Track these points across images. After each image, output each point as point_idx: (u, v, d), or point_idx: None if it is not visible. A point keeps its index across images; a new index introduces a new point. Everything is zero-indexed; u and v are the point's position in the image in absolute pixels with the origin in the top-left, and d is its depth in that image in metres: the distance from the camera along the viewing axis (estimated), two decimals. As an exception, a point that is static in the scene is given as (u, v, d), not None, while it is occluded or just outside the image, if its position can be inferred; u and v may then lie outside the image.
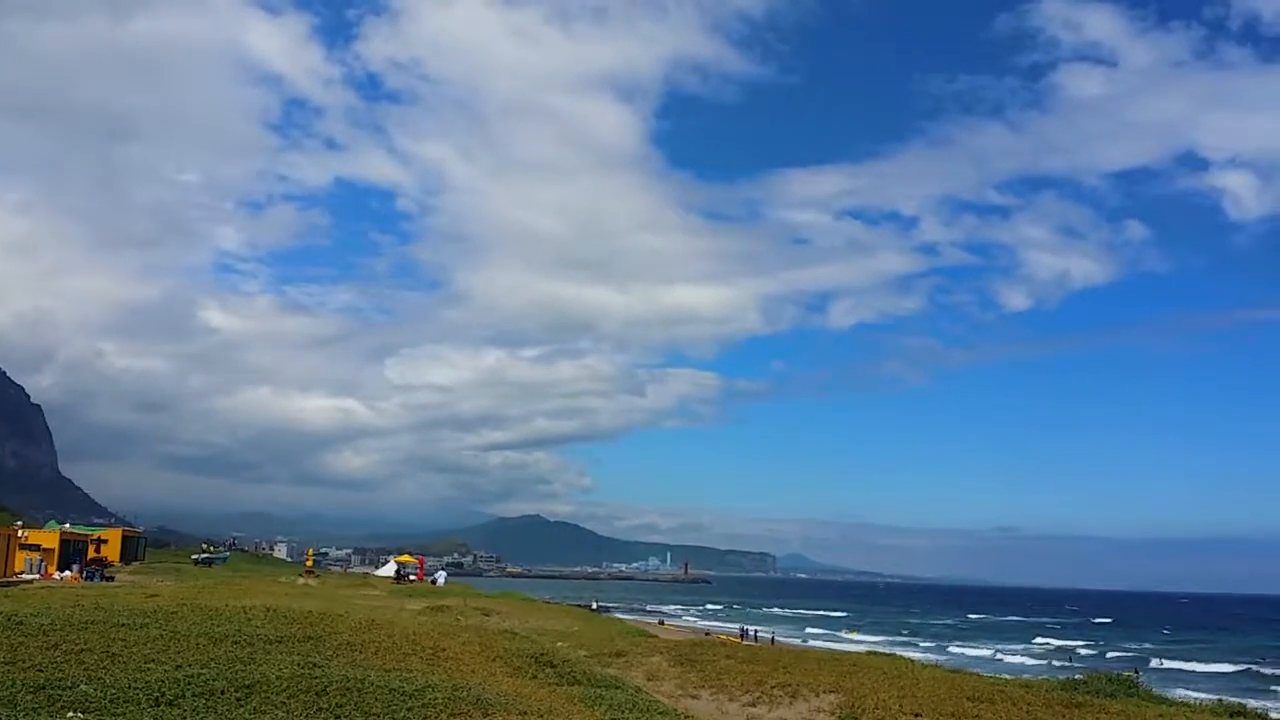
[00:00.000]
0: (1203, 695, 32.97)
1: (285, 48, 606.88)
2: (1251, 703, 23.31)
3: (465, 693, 13.21)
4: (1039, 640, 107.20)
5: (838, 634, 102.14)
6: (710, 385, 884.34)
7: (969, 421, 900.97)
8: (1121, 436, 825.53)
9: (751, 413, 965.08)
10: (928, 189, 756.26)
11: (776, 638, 75.68)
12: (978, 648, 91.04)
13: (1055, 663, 75.62)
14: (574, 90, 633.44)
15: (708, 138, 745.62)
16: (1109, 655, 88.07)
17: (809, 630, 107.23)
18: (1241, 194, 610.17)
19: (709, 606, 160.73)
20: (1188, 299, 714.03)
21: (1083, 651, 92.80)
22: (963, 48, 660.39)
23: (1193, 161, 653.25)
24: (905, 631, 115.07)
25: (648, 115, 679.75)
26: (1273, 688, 62.53)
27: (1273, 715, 20.84)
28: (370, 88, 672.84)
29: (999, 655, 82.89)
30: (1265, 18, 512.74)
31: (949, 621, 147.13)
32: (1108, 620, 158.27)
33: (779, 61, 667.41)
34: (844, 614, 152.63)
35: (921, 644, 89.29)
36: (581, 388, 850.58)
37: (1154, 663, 77.51)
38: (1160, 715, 18.33)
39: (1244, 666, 77.00)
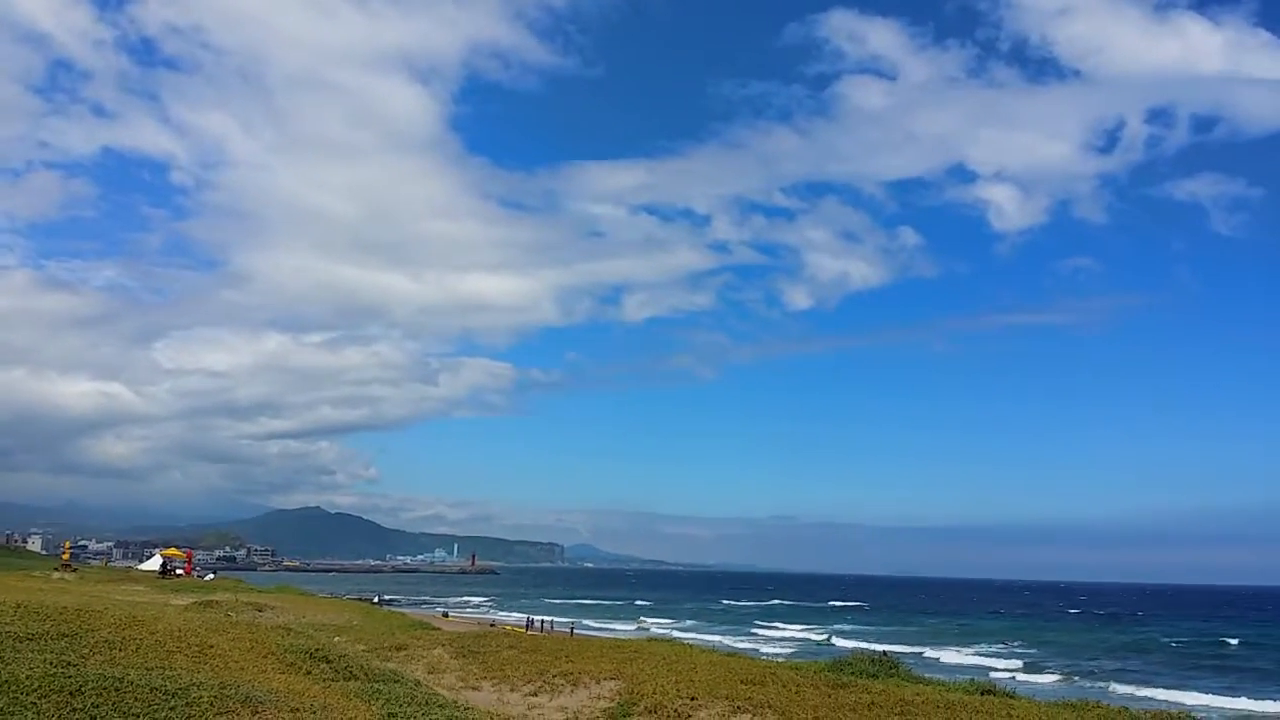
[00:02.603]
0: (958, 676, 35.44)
1: (51, 5, 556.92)
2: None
3: (233, 691, 12.70)
4: (763, 624, 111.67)
5: (608, 623, 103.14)
6: (504, 375, 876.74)
7: (752, 415, 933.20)
8: (891, 431, 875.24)
9: (544, 404, 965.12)
10: (720, 189, 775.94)
11: (574, 629, 75.70)
12: (710, 634, 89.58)
13: (776, 648, 77.62)
14: (368, 68, 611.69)
15: (507, 125, 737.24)
16: (805, 637, 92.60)
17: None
18: (1005, 206, 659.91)
19: (496, 597, 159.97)
20: (953, 303, 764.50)
21: (798, 634, 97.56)
22: (754, 54, 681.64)
23: (962, 174, 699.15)
24: (645, 618, 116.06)
25: (445, 99, 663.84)
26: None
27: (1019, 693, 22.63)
28: (145, 53, 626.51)
29: (726, 640, 79.72)
30: (1032, 41, 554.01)
31: (699, 606, 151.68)
32: (860, 604, 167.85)
33: (580, 54, 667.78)
34: (621, 602, 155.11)
35: (654, 631, 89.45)
36: (370, 375, 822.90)
37: (826, 638, 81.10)
38: (917, 694, 19.63)
39: (915, 648, 79.84)
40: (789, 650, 73.56)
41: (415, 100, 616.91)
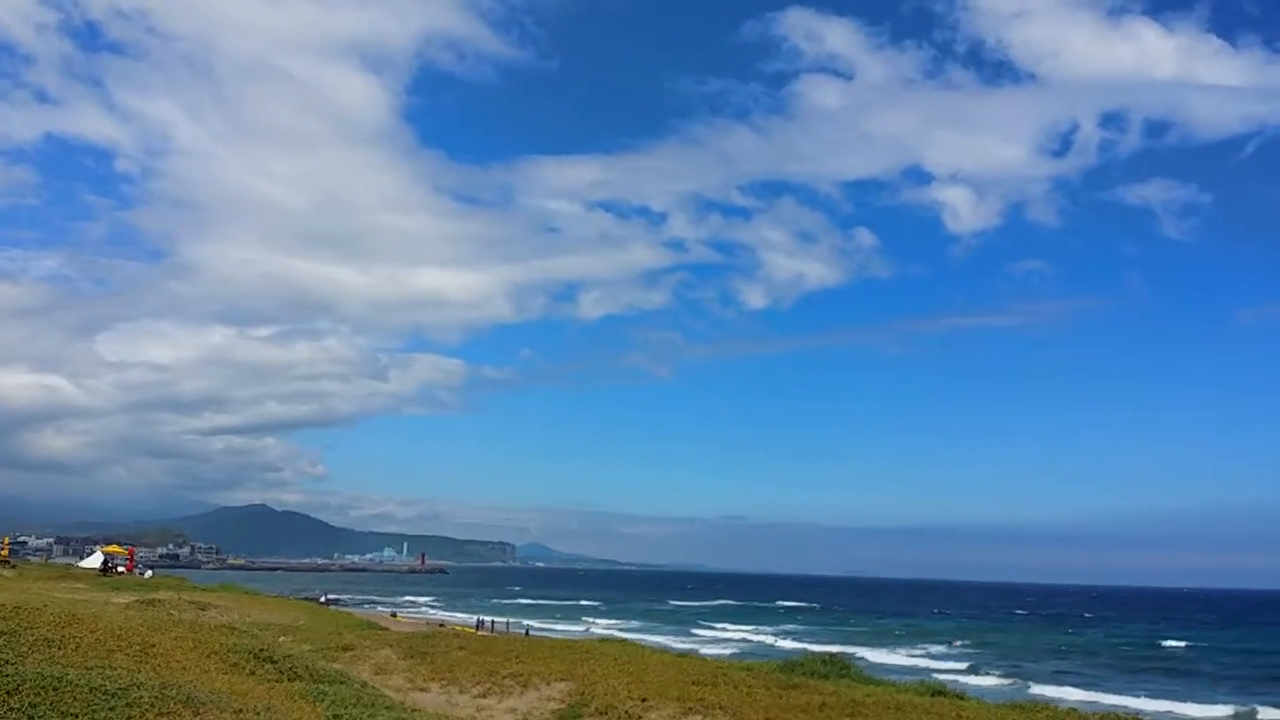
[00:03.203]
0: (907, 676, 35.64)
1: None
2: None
3: (175, 691, 12.42)
4: (709, 625, 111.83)
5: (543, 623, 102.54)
6: (455, 372, 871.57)
7: (706, 414, 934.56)
8: (845, 432, 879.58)
9: (496, 401, 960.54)
10: (677, 186, 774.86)
11: (529, 631, 74.93)
12: (655, 635, 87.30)
13: (718, 649, 76.83)
14: (318, 56, 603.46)
15: (461, 118, 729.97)
16: (747, 638, 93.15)
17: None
18: (960, 208, 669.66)
19: (445, 597, 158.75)
20: (908, 304, 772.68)
21: (743, 634, 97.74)
22: (712, 51, 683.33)
23: (918, 175, 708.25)
24: (591, 619, 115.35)
25: (398, 89, 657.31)
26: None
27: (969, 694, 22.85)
28: (89, 37, 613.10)
29: (667, 641, 77.17)
30: (988, 44, 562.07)
31: (647, 606, 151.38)
32: (808, 605, 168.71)
33: (536, 47, 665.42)
34: (568, 602, 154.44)
35: (596, 631, 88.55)
36: (318, 370, 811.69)
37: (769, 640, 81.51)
38: (868, 694, 19.72)
39: (858, 649, 79.45)
40: (729, 651, 73.44)
41: (367, 90, 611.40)
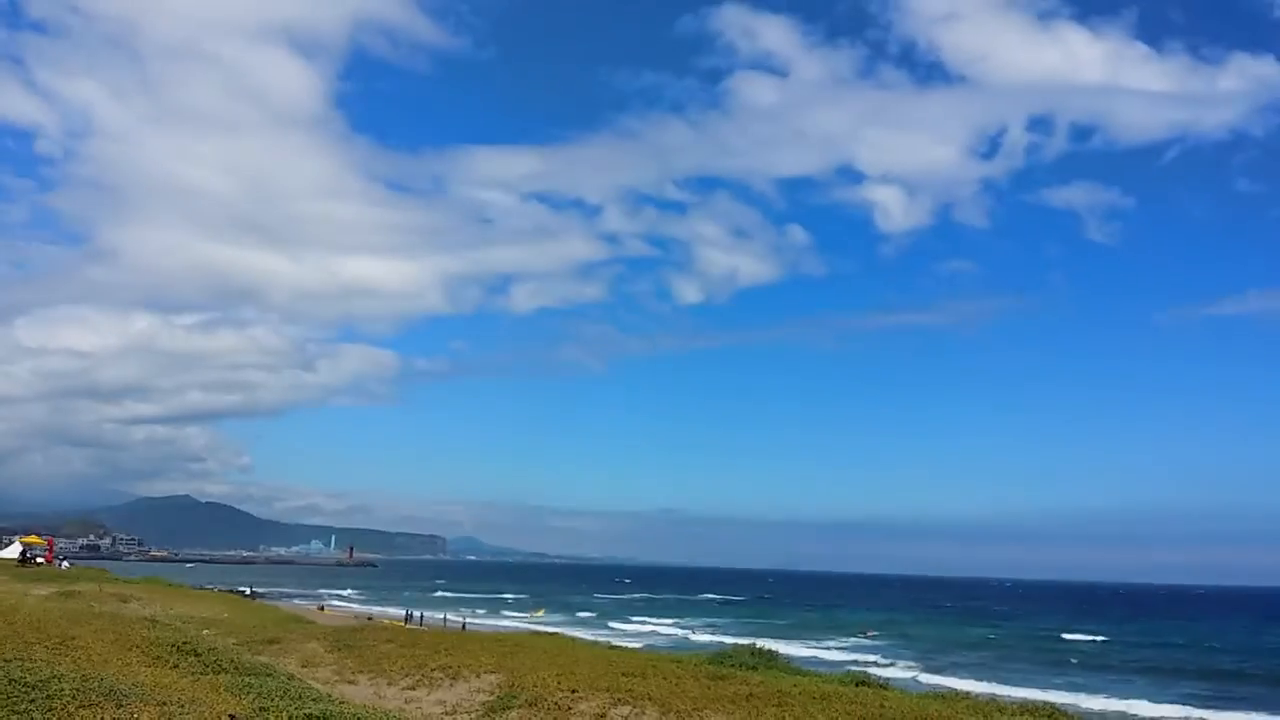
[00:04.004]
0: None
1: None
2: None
3: (96, 683, 12.21)
4: (629, 618, 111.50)
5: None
6: (386, 363, 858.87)
7: (639, 408, 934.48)
8: (779, 426, 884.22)
9: (428, 393, 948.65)
10: (612, 179, 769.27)
11: (465, 624, 74.17)
12: (572, 628, 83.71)
13: (631, 642, 75.79)
14: (248, 39, 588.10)
15: (394, 105, 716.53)
16: (655, 630, 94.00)
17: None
18: (890, 207, 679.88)
19: (374, 590, 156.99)
20: (839, 301, 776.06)
21: (660, 628, 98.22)
22: (648, 45, 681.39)
23: (850, 174, 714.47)
24: (512, 613, 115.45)
25: (330, 75, 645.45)
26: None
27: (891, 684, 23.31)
28: (11, 15, 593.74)
29: (580, 635, 75.35)
30: (920, 45, 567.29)
31: (572, 599, 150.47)
32: (734, 598, 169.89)
33: (473, 35, 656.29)
34: (489, 596, 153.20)
35: (505, 625, 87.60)
36: (244, 359, 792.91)
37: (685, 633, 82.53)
38: (795, 685, 20.04)
39: (774, 641, 79.15)
40: (641, 644, 73.36)
41: (298, 75, 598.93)
